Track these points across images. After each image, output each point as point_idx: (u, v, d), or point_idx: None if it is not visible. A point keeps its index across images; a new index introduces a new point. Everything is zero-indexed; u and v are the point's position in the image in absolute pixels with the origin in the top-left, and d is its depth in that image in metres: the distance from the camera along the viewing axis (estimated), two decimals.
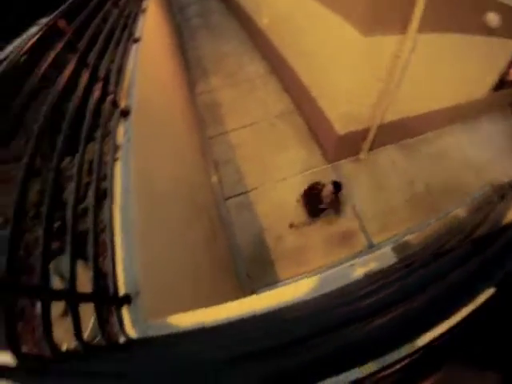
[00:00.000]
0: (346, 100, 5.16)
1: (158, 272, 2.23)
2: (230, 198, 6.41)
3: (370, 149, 6.03)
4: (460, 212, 1.94)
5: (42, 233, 1.53)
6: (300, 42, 6.35)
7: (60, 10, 2.91)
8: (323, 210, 5.39)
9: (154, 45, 6.21)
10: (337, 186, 4.99)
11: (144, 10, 7.21)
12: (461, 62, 4.75)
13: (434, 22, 3.99)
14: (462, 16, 4.09)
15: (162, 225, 2.87)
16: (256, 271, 5.44)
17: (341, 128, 5.60)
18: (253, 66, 9.42)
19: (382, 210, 5.66)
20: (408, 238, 1.60)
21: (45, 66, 2.31)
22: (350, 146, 5.96)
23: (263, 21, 8.79)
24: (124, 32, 4.78)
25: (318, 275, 1.55)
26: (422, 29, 3.94)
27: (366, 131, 5.60)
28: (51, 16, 2.73)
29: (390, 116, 5.25)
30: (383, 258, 1.53)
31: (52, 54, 2.46)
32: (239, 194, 6.40)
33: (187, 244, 3.35)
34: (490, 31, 4.25)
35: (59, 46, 2.63)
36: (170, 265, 2.62)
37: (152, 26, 6.84)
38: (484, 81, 5.61)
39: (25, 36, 2.35)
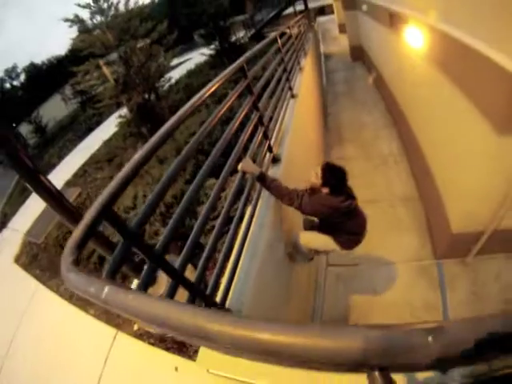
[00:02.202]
0: (468, 198, 4.82)
1: (257, 300, 2.39)
2: (332, 265, 6.24)
3: (479, 253, 5.59)
4: None
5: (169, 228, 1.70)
6: (435, 128, 6.11)
7: (245, 56, 3.29)
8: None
9: (306, 103, 6.57)
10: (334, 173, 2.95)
11: (302, 69, 7.77)
12: None
13: None
14: None
15: (274, 262, 3.04)
16: None
17: (456, 227, 5.21)
18: (388, 142, 9.20)
19: None
20: None
21: (232, 99, 2.71)
22: (460, 246, 5.54)
23: (400, 100, 8.78)
24: (285, 85, 5.19)
25: None
26: None
27: (479, 234, 5.23)
28: (240, 60, 3.07)
29: (508, 223, 4.85)
30: None
31: (236, 93, 2.87)
32: (341, 265, 6.24)
33: (285, 288, 3.47)
34: None
35: (243, 85, 3.05)
36: (266, 300, 2.73)
37: (306, 84, 7.26)
38: None
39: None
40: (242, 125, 3.04)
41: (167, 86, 8.71)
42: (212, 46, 15.90)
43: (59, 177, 9.53)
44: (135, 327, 4.14)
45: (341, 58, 19.02)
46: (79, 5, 7.52)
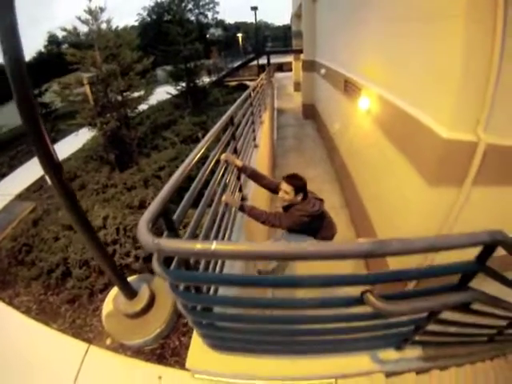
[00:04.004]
0: None
1: None
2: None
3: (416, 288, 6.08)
4: None
5: None
6: (376, 182, 6.86)
7: (233, 107, 4.02)
8: None
9: (264, 153, 7.24)
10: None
11: (262, 122, 8.52)
12: None
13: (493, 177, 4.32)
14: None
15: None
16: None
17: (393, 266, 5.69)
18: (331, 196, 9.77)
19: None
20: None
21: (224, 142, 3.33)
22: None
23: (346, 157, 9.69)
24: (251, 136, 5.89)
25: None
26: (479, 182, 4.27)
27: None
28: (230, 110, 3.80)
29: (440, 260, 5.38)
30: None
31: (227, 137, 3.60)
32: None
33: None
34: None
35: (230, 132, 3.76)
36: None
37: (264, 137, 7.98)
38: None
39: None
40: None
41: (138, 118, 8.95)
42: (179, 87, 16.33)
43: (10, 188, 9.30)
44: (108, 341, 3.99)
45: (293, 114, 19.92)
46: (79, 19, 7.58)
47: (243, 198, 4.26)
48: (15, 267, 5.89)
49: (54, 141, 13.39)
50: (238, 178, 4.07)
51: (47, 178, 2.53)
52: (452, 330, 2.19)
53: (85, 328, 4.35)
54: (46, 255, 5.32)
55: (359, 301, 1.32)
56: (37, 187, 8.98)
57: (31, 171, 10.35)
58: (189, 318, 1.77)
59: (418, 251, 1.14)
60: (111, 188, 6.66)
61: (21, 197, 8.81)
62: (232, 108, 3.95)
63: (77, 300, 4.78)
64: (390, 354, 2.20)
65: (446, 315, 1.85)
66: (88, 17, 7.52)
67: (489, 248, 1.26)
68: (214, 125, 3.36)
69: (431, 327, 1.92)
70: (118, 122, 7.75)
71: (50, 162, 2.46)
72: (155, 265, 1.34)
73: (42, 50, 37.14)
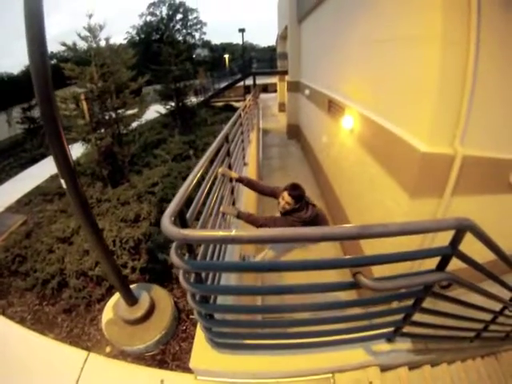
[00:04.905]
0: (388, 249, 5.79)
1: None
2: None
3: None
4: None
5: None
6: (359, 196, 7.28)
7: (227, 126, 4.34)
8: None
9: (252, 171, 7.55)
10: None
11: (250, 141, 8.89)
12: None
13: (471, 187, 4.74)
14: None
15: None
16: None
17: (378, 275, 6.13)
18: None
19: None
20: None
21: (220, 159, 3.65)
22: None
23: (331, 175, 10.16)
24: (241, 154, 6.20)
25: None
26: (458, 192, 4.66)
27: None
28: (225, 129, 4.09)
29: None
30: None
31: (221, 155, 3.88)
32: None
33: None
34: None
35: (225, 149, 4.10)
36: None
37: (252, 155, 8.29)
38: None
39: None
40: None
41: (130, 136, 9.09)
42: (168, 106, 16.73)
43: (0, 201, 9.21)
44: (107, 349, 4.02)
45: (278, 134, 20.57)
46: (79, 35, 7.77)
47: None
48: (8, 278, 5.85)
49: (43, 156, 13.59)
50: (232, 193, 4.34)
51: (62, 181, 2.72)
52: (438, 321, 2.42)
53: (83, 337, 4.40)
54: (41, 266, 5.39)
55: (351, 284, 1.58)
56: (27, 200, 8.98)
57: (20, 185, 10.45)
58: (195, 308, 2.01)
59: (395, 234, 1.42)
60: (105, 202, 6.80)
61: (11, 209, 8.78)
62: (226, 127, 4.32)
63: (74, 310, 4.83)
64: (383, 346, 2.41)
65: (431, 307, 2.10)
66: (87, 33, 7.73)
67: (459, 233, 1.53)
68: (202, 144, 3.64)
69: (418, 317, 2.15)
70: (112, 138, 7.87)
71: (66, 166, 2.67)
72: (173, 255, 1.56)
73: None
